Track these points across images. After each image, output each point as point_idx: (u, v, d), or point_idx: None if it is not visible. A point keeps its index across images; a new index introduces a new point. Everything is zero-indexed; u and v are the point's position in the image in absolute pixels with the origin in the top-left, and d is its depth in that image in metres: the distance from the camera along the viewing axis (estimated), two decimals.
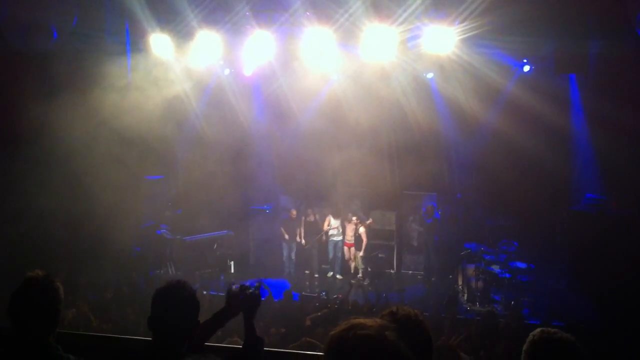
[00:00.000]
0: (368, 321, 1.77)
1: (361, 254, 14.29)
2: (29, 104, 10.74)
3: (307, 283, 14.01)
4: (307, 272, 14.75)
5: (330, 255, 14.71)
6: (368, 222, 14.34)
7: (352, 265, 14.63)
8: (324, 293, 11.44)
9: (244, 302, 3.41)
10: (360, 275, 14.31)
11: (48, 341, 2.92)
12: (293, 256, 14.89)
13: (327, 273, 14.79)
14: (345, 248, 14.69)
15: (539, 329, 2.77)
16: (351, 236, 14.47)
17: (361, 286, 13.18)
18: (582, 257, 12.53)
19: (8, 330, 2.92)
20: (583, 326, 8.58)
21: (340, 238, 14.62)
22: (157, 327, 2.80)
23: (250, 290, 3.46)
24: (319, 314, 9.33)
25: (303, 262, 14.90)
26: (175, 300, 2.80)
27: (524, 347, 2.74)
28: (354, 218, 14.29)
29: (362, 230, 14.25)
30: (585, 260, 12.31)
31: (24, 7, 10.54)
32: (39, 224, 10.77)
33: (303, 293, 11.90)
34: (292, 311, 9.83)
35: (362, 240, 14.27)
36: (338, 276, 14.69)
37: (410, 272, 14.85)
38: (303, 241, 14.74)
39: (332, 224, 14.56)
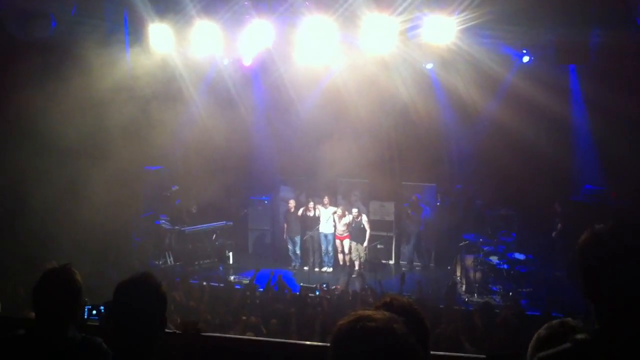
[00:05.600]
0: (376, 313, 1.78)
1: (365, 244, 14.16)
2: (27, 92, 10.70)
3: (308, 276, 13.90)
4: (305, 268, 14.58)
5: (323, 247, 14.56)
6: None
7: (347, 258, 14.48)
8: (325, 285, 11.45)
9: None
10: (357, 268, 14.22)
11: (68, 329, 2.99)
12: (298, 250, 14.72)
13: (319, 267, 14.63)
14: (338, 241, 14.49)
15: (559, 320, 2.72)
16: (343, 230, 14.31)
17: (361, 277, 13.13)
18: None
19: (33, 321, 3.07)
20: (582, 316, 8.58)
21: (331, 231, 14.44)
22: (119, 324, 2.69)
23: None
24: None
25: (303, 256, 14.80)
26: (137, 296, 2.68)
27: (539, 331, 2.68)
28: (355, 210, 14.14)
29: (365, 220, 14.16)
30: None
31: None
32: (37, 213, 10.77)
33: (302, 284, 11.88)
34: (287, 303, 9.82)
35: (365, 231, 14.14)
36: (328, 269, 14.51)
37: (407, 262, 14.85)
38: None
39: (321, 215, 14.41)
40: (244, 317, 8.32)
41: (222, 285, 11.54)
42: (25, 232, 10.76)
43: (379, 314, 1.78)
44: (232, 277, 13.15)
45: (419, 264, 14.67)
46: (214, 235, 14.97)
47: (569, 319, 2.75)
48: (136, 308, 2.67)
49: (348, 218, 14.20)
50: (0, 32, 10.70)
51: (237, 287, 11.31)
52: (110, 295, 2.76)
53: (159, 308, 2.72)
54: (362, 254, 14.22)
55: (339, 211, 14.31)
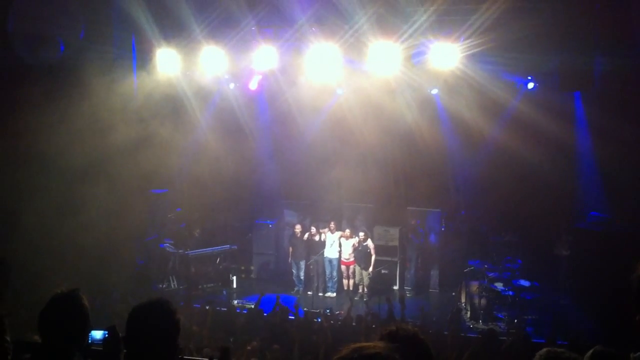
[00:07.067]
0: (371, 344, 1.76)
1: (370, 269, 13.95)
2: (34, 113, 10.77)
3: (311, 301, 13.77)
4: (309, 293, 14.32)
5: (327, 272, 14.36)
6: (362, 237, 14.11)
7: (351, 282, 14.33)
8: (328, 310, 11.37)
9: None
10: (360, 291, 14.10)
11: (74, 354, 2.99)
12: (302, 275, 14.55)
13: (323, 292, 14.38)
14: (344, 267, 14.29)
15: (545, 349, 2.73)
16: (350, 254, 14.11)
17: (363, 302, 13.02)
18: (586, 274, 12.45)
19: (39, 345, 3.07)
20: (588, 344, 8.49)
21: (335, 256, 14.24)
22: (131, 349, 2.68)
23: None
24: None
25: (308, 281, 14.62)
26: (152, 321, 2.67)
27: None
28: (362, 234, 13.95)
29: (371, 245, 14.02)
30: (590, 278, 12.22)
31: (32, 20, 10.66)
32: (39, 233, 10.76)
33: (306, 309, 11.79)
34: (292, 328, 9.74)
35: (370, 256, 13.95)
36: (332, 294, 14.31)
37: (412, 288, 14.73)
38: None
39: (327, 240, 14.25)
40: (249, 347, 8.23)
41: (225, 309, 11.49)
42: (26, 251, 10.75)
43: (376, 344, 1.77)
44: (235, 302, 13.07)
45: (421, 289, 14.56)
46: (218, 259, 14.92)
47: (559, 349, 2.74)
48: (151, 334, 2.65)
49: (354, 240, 14.09)
50: (9, 54, 10.83)
51: (239, 310, 11.25)
52: (112, 319, 2.74)
53: (173, 334, 2.70)
54: (366, 279, 14.11)
55: (347, 232, 14.18)
